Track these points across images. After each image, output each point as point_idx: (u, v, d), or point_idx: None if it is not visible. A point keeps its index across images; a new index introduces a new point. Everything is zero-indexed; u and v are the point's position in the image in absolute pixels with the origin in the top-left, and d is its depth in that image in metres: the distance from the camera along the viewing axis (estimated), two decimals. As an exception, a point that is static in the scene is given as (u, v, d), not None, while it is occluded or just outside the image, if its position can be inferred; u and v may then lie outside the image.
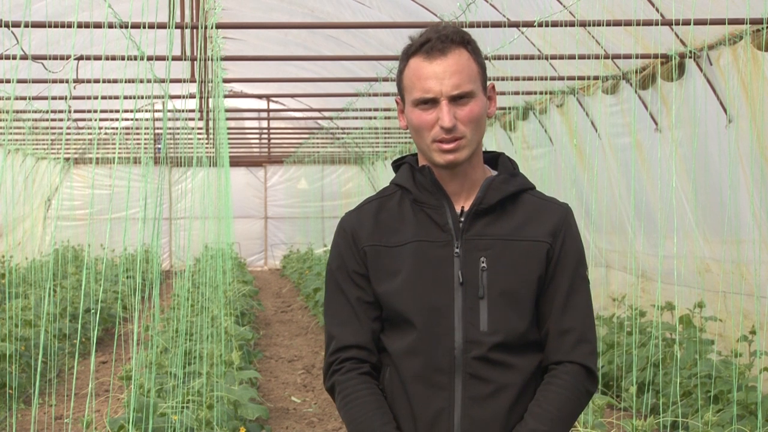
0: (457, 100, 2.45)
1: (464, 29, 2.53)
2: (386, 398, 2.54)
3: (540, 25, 7.05)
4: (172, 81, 7.57)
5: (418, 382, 2.49)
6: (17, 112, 13.14)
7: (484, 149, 2.63)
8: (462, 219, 2.52)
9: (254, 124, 22.60)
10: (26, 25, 6.63)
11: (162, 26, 6.46)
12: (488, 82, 2.55)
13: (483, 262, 2.49)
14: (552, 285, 2.53)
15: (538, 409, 2.47)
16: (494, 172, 2.60)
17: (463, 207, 2.54)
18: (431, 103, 2.46)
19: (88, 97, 10.44)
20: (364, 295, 2.56)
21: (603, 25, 6.66)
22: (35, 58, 8.35)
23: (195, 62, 9.00)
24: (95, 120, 13.27)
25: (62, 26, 6.57)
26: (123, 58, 7.72)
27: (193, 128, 13.21)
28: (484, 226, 2.52)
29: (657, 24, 6.80)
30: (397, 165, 2.67)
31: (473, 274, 2.49)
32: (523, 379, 2.49)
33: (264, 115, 20.61)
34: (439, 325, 2.49)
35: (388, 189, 2.64)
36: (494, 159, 2.64)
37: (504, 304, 2.49)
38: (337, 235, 2.63)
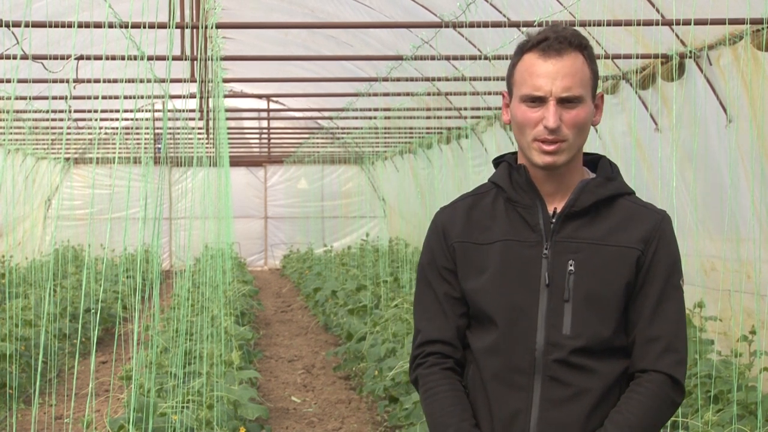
0: (565, 102, 2.44)
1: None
2: (468, 395, 2.54)
3: (540, 25, 7.04)
4: (172, 81, 7.56)
5: (498, 381, 2.49)
6: (17, 112, 13.14)
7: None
8: (553, 220, 2.50)
9: (254, 124, 22.58)
10: (26, 25, 6.62)
11: (162, 26, 6.46)
12: (598, 91, 2.53)
13: (571, 265, 2.47)
14: (642, 292, 2.49)
15: (618, 416, 2.44)
16: (593, 175, 2.57)
17: (555, 208, 2.52)
18: (539, 101, 2.45)
19: (88, 97, 10.44)
20: (452, 290, 2.56)
21: (603, 25, 6.66)
22: (35, 58, 8.34)
23: (195, 62, 9.00)
24: (95, 120, 13.27)
25: (62, 26, 6.56)
26: (123, 58, 7.72)
27: (193, 128, 13.20)
28: (575, 228, 2.50)
29: (657, 24, 6.79)
30: (496, 163, 2.65)
31: (560, 277, 2.47)
32: (605, 384, 2.46)
33: (264, 114, 20.60)
34: (522, 325, 2.47)
35: (484, 186, 2.62)
36: (594, 162, 2.61)
37: (589, 309, 2.46)
38: (430, 230, 2.63)
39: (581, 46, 2.48)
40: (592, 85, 2.49)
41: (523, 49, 2.50)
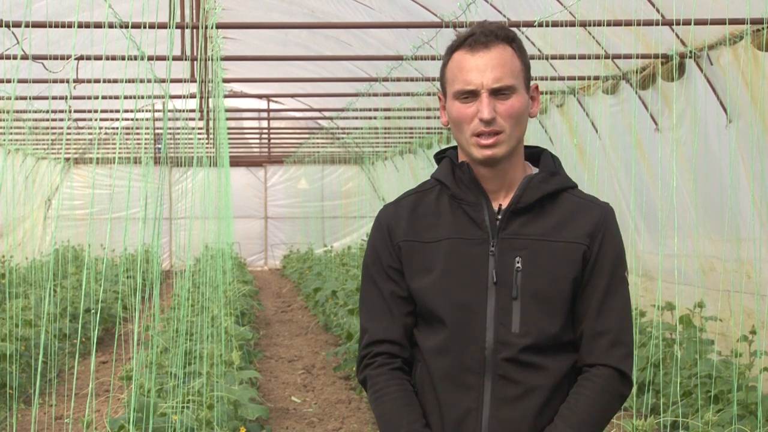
0: (498, 93, 2.44)
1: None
2: (416, 394, 2.53)
3: (540, 25, 7.04)
4: (173, 81, 7.56)
5: (447, 381, 2.48)
6: (17, 112, 13.14)
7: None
8: (499, 217, 2.50)
9: (254, 124, 22.59)
10: (26, 25, 6.62)
11: (162, 26, 6.46)
12: (532, 82, 2.53)
13: (518, 263, 2.46)
14: (589, 286, 2.49)
15: (568, 412, 2.45)
16: (535, 170, 2.56)
17: (500, 205, 2.51)
18: (472, 95, 2.45)
19: (89, 97, 10.45)
20: (398, 289, 2.55)
21: (603, 25, 6.66)
22: (35, 58, 8.35)
23: (195, 62, 9.00)
24: (95, 120, 13.28)
25: (62, 26, 6.57)
26: (123, 58, 7.72)
27: (193, 128, 13.20)
28: (521, 225, 2.49)
29: (657, 24, 6.79)
30: (438, 158, 2.64)
31: (508, 275, 2.46)
32: (554, 380, 2.47)
33: (264, 115, 20.61)
34: (471, 324, 2.46)
35: (428, 183, 2.61)
36: (536, 155, 2.60)
37: (537, 306, 2.46)
38: (374, 228, 2.61)
39: (508, 39, 2.48)
40: (524, 77, 2.49)
41: (452, 49, 2.52)
